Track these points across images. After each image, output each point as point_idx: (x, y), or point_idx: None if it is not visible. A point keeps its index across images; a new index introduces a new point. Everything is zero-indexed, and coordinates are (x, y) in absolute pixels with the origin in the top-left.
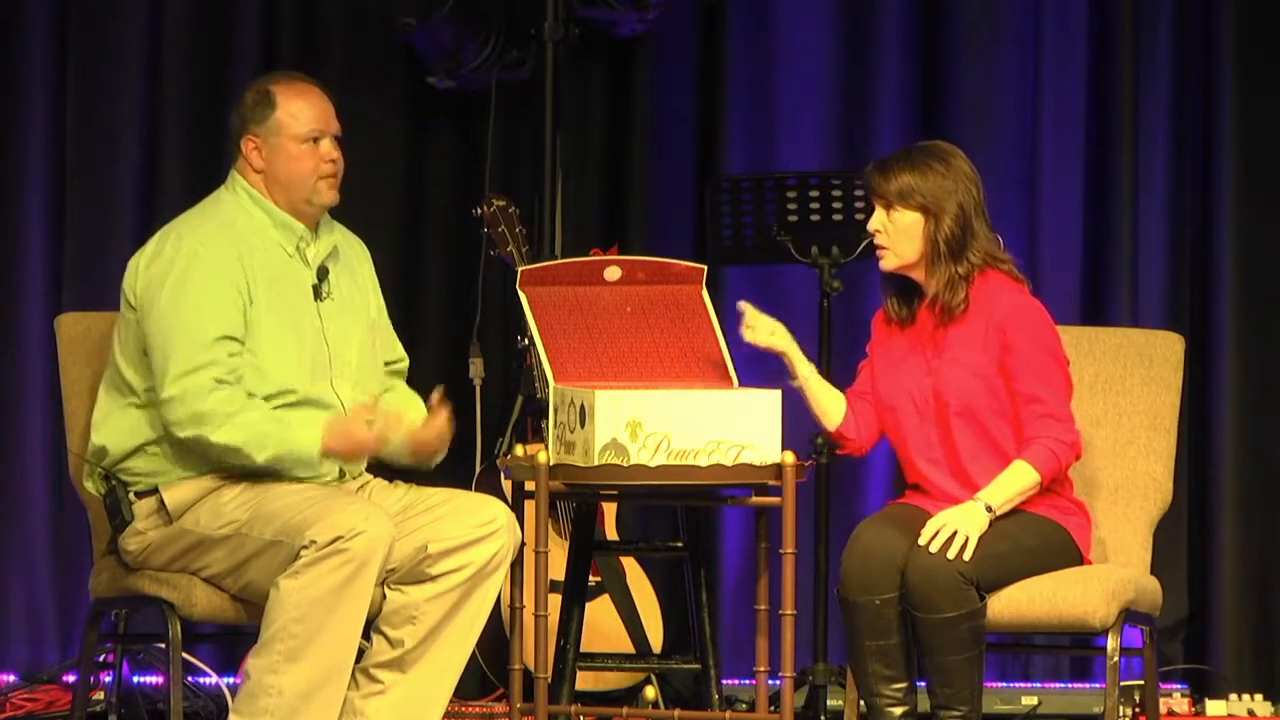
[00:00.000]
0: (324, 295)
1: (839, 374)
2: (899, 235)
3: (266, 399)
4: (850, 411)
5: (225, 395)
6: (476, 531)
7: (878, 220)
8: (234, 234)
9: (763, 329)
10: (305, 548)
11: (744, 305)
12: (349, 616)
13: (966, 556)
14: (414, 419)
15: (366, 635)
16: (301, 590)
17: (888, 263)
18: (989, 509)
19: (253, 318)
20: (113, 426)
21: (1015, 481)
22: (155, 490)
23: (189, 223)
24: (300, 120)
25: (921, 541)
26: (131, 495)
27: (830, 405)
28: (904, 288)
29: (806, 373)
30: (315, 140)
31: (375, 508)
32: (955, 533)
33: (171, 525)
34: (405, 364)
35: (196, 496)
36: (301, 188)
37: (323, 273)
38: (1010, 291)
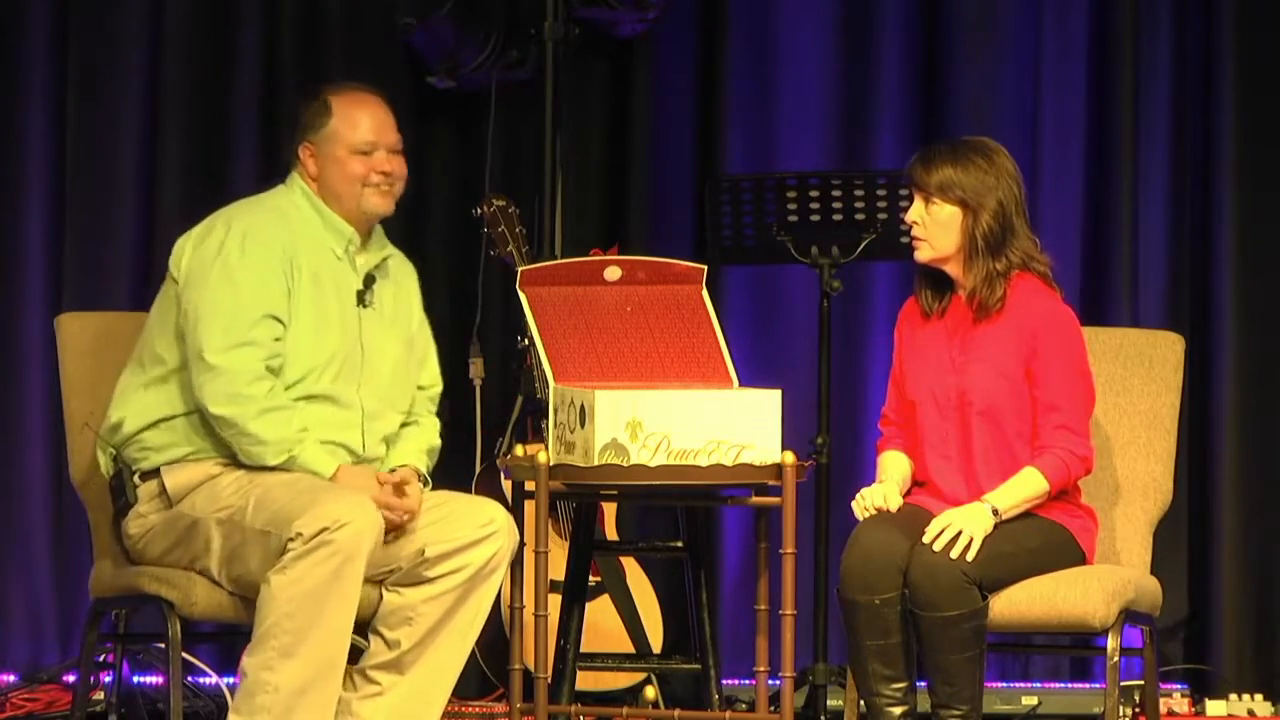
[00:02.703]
0: (368, 303)
1: (838, 373)
2: (936, 228)
3: (289, 386)
4: (909, 456)
5: (269, 387)
6: (474, 534)
7: (916, 212)
8: (284, 223)
9: (895, 498)
10: (292, 540)
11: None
12: (340, 609)
13: (970, 557)
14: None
15: (365, 636)
16: (291, 585)
17: (923, 254)
18: (995, 512)
19: (291, 305)
20: (132, 400)
21: (1023, 488)
22: (158, 472)
23: (242, 208)
24: (355, 131)
25: (926, 540)
26: (136, 478)
27: (909, 473)
28: (937, 280)
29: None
30: (368, 152)
31: (362, 498)
32: (960, 533)
33: (171, 509)
34: (437, 390)
35: (197, 481)
36: (350, 196)
37: (369, 280)
38: (1045, 298)
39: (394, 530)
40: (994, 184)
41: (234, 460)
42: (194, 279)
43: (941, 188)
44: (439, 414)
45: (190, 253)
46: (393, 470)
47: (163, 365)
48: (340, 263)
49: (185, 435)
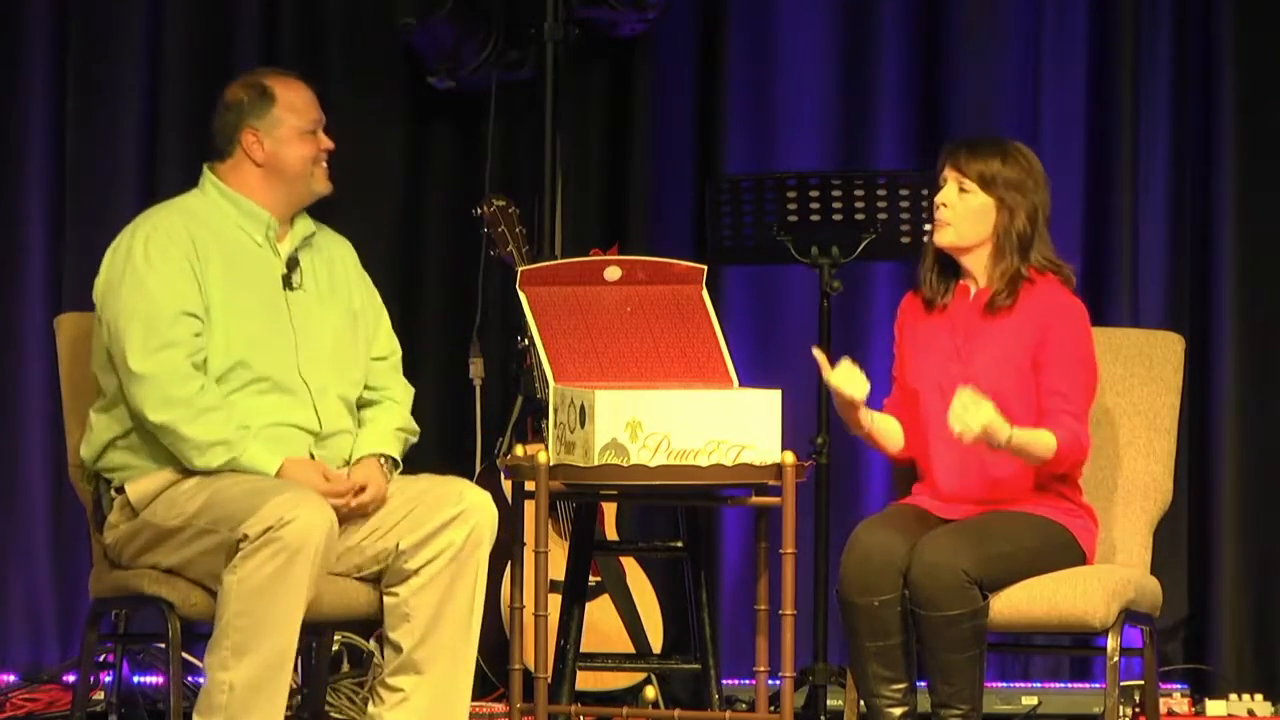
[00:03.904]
0: (295, 285)
1: None
2: (968, 215)
3: (220, 378)
4: (906, 433)
5: (199, 386)
6: (446, 515)
7: (949, 195)
8: (189, 218)
9: (859, 383)
10: (241, 541)
11: (845, 360)
12: (289, 605)
13: (969, 425)
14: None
15: (367, 637)
16: (240, 584)
17: (944, 238)
18: (1009, 438)
19: (205, 299)
20: (92, 430)
21: (1036, 436)
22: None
23: (146, 215)
24: (300, 112)
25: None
26: (112, 492)
27: (895, 435)
28: (944, 269)
29: (869, 420)
30: (313, 131)
31: (309, 495)
32: (973, 407)
33: (135, 519)
34: (397, 356)
35: (157, 490)
36: (302, 177)
37: (292, 263)
38: (1058, 292)
39: (355, 516)
40: (1032, 187)
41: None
42: (108, 294)
43: (984, 178)
44: (431, 420)
45: (103, 271)
46: (358, 460)
47: (102, 394)
48: (260, 249)
49: (139, 451)
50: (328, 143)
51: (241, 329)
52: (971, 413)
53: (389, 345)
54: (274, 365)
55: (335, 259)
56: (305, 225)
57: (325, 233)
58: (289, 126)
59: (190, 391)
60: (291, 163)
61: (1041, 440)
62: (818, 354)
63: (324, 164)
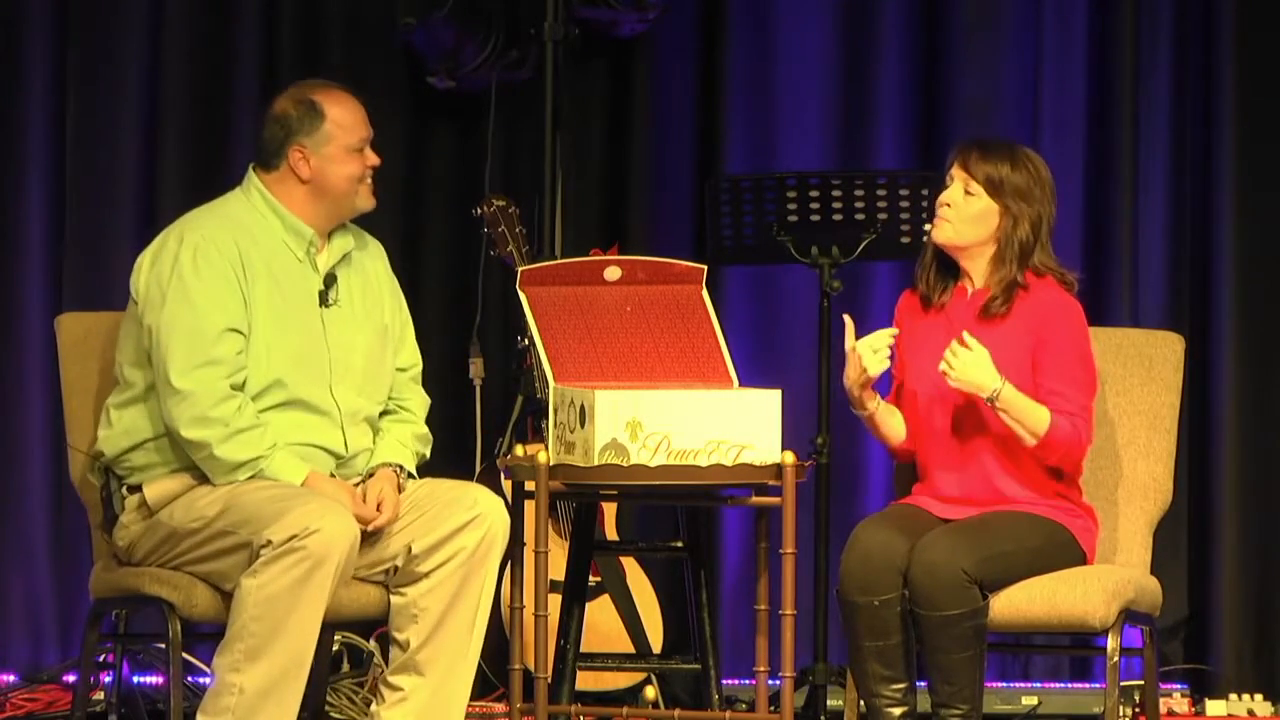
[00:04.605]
0: (331, 302)
1: (839, 374)
2: (969, 216)
3: (256, 396)
4: (909, 427)
5: (235, 406)
6: (460, 520)
7: (953, 195)
8: (237, 228)
9: (880, 360)
10: (264, 547)
11: (883, 331)
12: (307, 614)
13: (953, 372)
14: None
15: (367, 638)
16: (259, 589)
17: (941, 234)
18: (999, 390)
19: (249, 314)
20: (113, 423)
21: (1032, 405)
22: (141, 486)
23: (194, 219)
24: (349, 130)
25: (942, 366)
26: (124, 490)
27: (896, 425)
28: (943, 267)
29: (875, 403)
30: (361, 149)
31: (334, 505)
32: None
33: (150, 519)
34: (418, 369)
35: (176, 492)
36: (348, 195)
37: (330, 280)
38: (1055, 292)
39: (375, 531)
40: (1039, 196)
41: None
42: (152, 301)
43: (991, 182)
44: (431, 420)
45: (146, 272)
46: (371, 472)
47: (133, 388)
48: (301, 265)
49: (164, 455)
50: (374, 159)
51: (281, 347)
52: (962, 356)
53: (412, 357)
54: (308, 386)
55: (369, 270)
56: (345, 241)
57: (359, 239)
58: (337, 144)
59: (227, 412)
60: (337, 181)
61: (1036, 412)
62: (847, 320)
63: (369, 180)
